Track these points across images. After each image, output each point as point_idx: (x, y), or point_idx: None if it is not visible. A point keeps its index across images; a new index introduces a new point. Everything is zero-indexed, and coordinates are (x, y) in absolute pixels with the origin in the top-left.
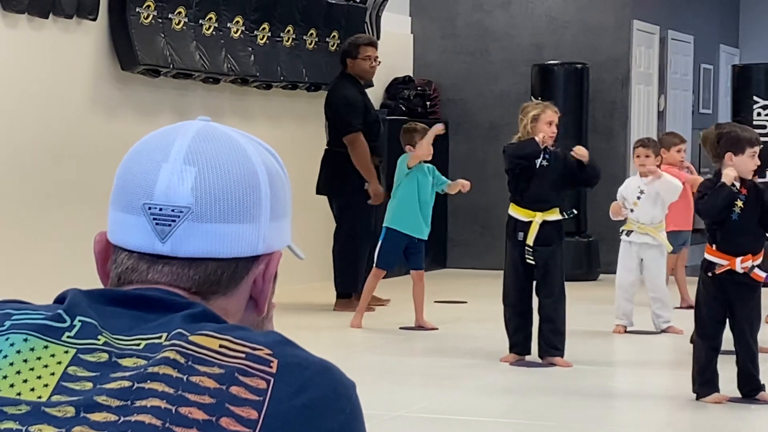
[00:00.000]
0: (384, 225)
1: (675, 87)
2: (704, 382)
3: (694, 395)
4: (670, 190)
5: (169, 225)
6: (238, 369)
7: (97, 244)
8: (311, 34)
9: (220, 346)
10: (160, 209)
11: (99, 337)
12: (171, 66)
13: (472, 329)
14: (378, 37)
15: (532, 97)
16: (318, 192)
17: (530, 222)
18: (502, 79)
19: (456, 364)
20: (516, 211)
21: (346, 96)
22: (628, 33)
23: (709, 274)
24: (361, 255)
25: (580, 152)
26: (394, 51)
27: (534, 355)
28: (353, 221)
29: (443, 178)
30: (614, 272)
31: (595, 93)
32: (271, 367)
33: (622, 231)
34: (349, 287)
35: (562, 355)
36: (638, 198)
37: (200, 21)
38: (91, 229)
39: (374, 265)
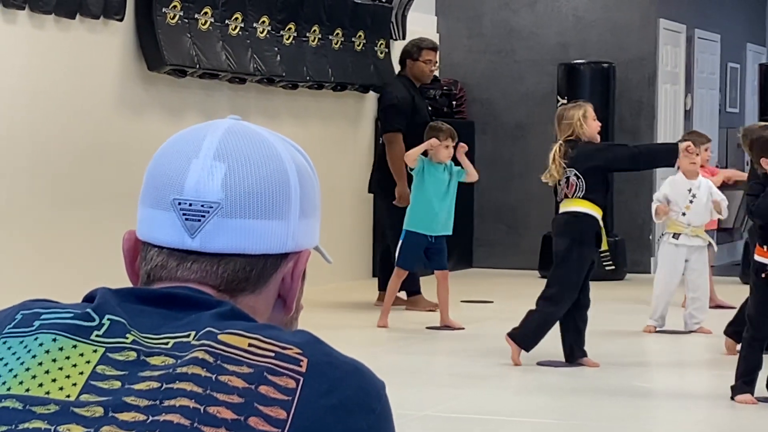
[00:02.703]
0: (403, 227)
1: (702, 86)
2: (747, 382)
3: (731, 391)
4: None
5: (199, 220)
6: (267, 368)
7: (125, 242)
8: (337, 33)
9: (250, 345)
10: (190, 204)
11: (127, 335)
12: (197, 66)
13: (499, 329)
14: (404, 37)
15: (558, 97)
16: (370, 190)
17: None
18: (528, 78)
19: (483, 363)
20: (597, 212)
21: (393, 96)
22: (654, 32)
23: (763, 275)
24: None
25: None
26: None
27: (554, 356)
28: (401, 220)
29: (459, 169)
30: (642, 272)
31: (621, 92)
32: (300, 366)
33: (665, 234)
34: (417, 286)
35: (587, 355)
36: (691, 202)
37: (226, 21)
38: (118, 228)
39: (395, 265)
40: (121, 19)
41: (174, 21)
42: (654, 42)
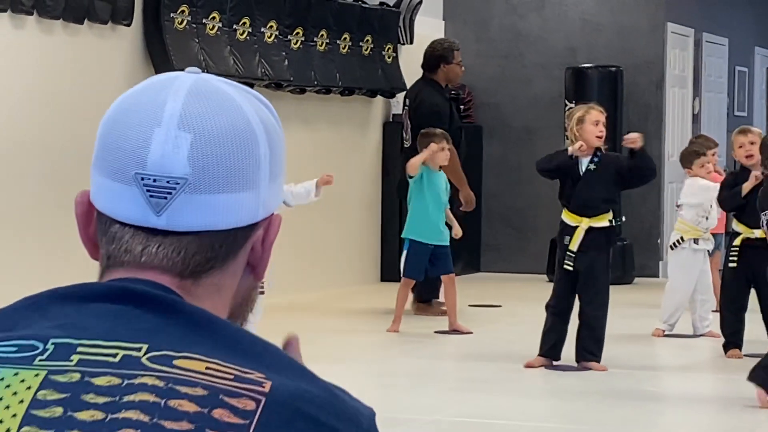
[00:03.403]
0: (404, 236)
1: (710, 90)
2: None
3: (748, 374)
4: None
5: (165, 197)
6: (224, 390)
7: (78, 206)
8: (345, 38)
9: (207, 368)
10: (155, 180)
11: (72, 357)
12: (205, 71)
13: (507, 333)
14: (411, 41)
15: (567, 101)
16: (399, 195)
17: (576, 227)
18: (535, 82)
19: (491, 368)
20: (566, 216)
21: (435, 104)
22: (662, 35)
23: None
24: None
25: (631, 138)
26: None
27: (562, 360)
28: None
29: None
30: (649, 276)
31: (629, 96)
32: (263, 387)
33: (685, 240)
34: (430, 294)
35: (598, 361)
36: (711, 206)
37: (234, 26)
38: None
39: (401, 275)
40: (129, 24)
41: (182, 26)
42: (662, 46)
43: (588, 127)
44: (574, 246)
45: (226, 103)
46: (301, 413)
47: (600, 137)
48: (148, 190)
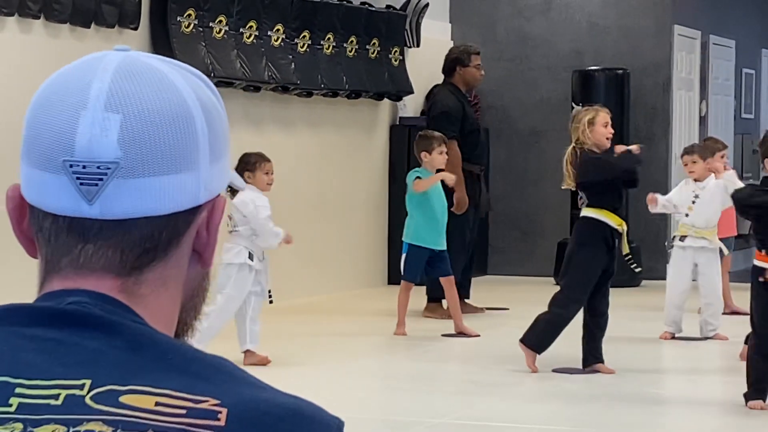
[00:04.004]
0: (405, 240)
1: (717, 92)
2: (758, 390)
3: (744, 398)
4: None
5: (96, 184)
6: (177, 430)
7: (9, 200)
8: (351, 41)
9: (157, 403)
10: (84, 167)
11: (11, 400)
12: (212, 75)
13: (515, 336)
14: (418, 44)
15: (573, 104)
16: None
17: (618, 229)
18: (542, 85)
19: (498, 371)
20: (610, 218)
21: (444, 104)
22: (669, 38)
23: (760, 279)
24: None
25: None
26: (434, 58)
27: (565, 362)
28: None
29: None
30: (657, 278)
31: (636, 98)
32: (218, 419)
33: (674, 237)
34: (440, 293)
35: (603, 362)
36: (693, 202)
37: (241, 29)
38: None
39: (402, 278)
40: (135, 28)
41: (189, 29)
42: (669, 48)
43: (599, 129)
44: (627, 248)
45: (157, 80)
46: None
47: (609, 138)
48: (77, 178)
